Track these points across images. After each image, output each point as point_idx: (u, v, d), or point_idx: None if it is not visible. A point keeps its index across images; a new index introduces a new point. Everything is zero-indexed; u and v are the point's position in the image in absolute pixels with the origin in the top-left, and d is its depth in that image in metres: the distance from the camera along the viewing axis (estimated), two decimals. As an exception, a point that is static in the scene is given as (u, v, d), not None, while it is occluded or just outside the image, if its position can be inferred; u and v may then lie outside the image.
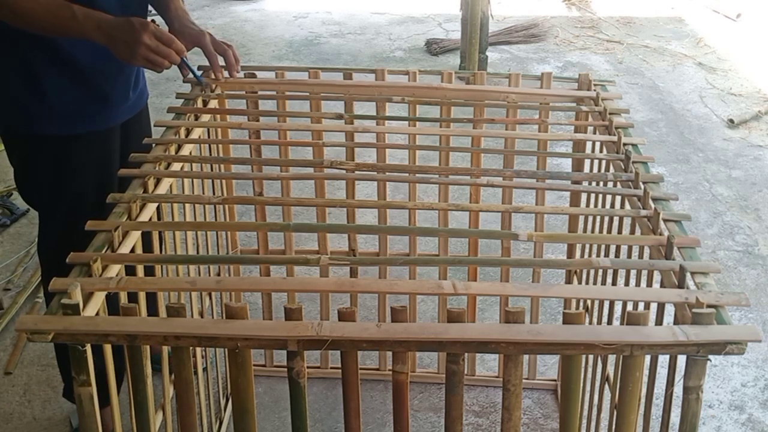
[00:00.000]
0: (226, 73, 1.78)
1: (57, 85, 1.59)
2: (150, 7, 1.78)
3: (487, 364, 2.21)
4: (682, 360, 1.04)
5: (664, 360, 1.10)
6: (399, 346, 1.02)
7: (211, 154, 1.73)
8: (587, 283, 1.77)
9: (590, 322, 1.66)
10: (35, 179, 1.70)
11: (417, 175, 1.48)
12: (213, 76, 1.78)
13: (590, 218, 1.73)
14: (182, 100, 1.75)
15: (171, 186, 1.46)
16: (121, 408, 1.21)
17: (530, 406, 2.07)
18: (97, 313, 1.08)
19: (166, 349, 1.45)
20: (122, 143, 1.77)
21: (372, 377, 2.12)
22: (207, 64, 1.78)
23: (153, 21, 1.50)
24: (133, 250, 1.26)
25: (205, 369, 1.76)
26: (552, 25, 5.17)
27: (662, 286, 1.15)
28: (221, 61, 1.77)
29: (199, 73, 1.76)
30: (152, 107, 1.98)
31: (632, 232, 1.38)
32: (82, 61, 1.58)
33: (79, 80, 1.60)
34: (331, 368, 2.13)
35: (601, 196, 1.57)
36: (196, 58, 1.71)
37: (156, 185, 1.40)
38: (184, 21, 1.73)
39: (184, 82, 1.77)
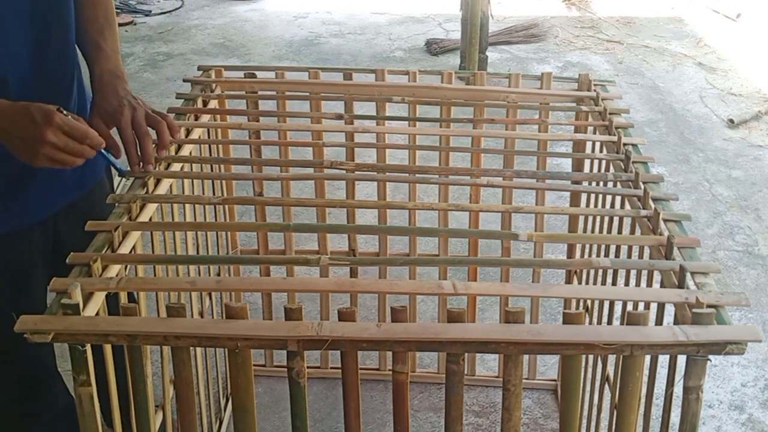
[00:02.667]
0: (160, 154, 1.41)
1: None
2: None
3: (487, 364, 2.21)
4: (682, 360, 1.04)
5: (664, 360, 1.10)
6: (399, 346, 1.02)
7: (211, 155, 1.73)
8: (587, 283, 1.77)
9: (590, 322, 1.66)
10: None
11: (417, 175, 1.48)
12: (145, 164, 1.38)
13: (590, 218, 1.73)
14: (182, 100, 1.75)
15: (171, 186, 1.46)
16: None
17: (530, 406, 2.07)
18: (97, 313, 1.08)
19: (166, 349, 1.45)
20: (56, 238, 1.41)
21: (372, 377, 2.12)
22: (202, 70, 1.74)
23: (59, 109, 1.17)
24: (133, 250, 1.26)
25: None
26: (552, 25, 5.17)
27: (662, 286, 1.15)
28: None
29: (119, 163, 1.35)
30: (152, 107, 1.97)
31: (632, 232, 1.38)
32: None
33: None
34: (331, 368, 2.13)
35: (601, 196, 1.57)
36: (195, 64, 1.66)
37: (156, 185, 1.40)
38: (106, 92, 1.34)
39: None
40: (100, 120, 1.32)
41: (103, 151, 1.26)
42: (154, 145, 1.38)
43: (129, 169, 1.36)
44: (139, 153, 1.35)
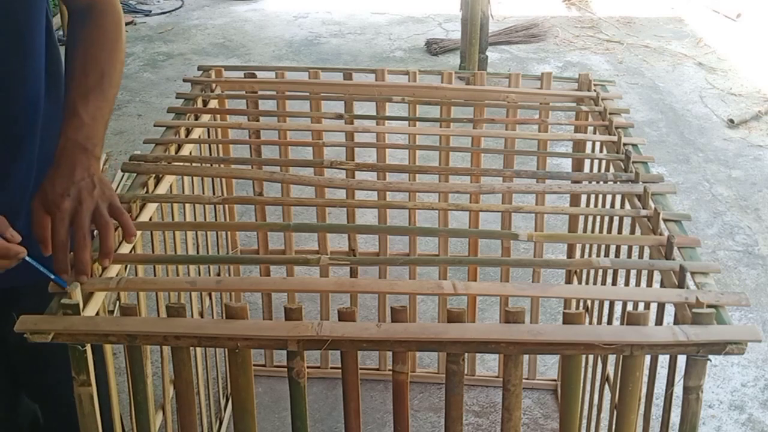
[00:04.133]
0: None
1: None
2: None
3: (487, 364, 2.21)
4: (682, 360, 1.04)
5: (664, 360, 1.10)
6: (399, 346, 1.02)
7: (211, 154, 1.73)
8: (587, 283, 1.77)
9: (590, 322, 1.66)
10: None
11: (417, 175, 1.48)
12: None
13: (590, 218, 1.73)
14: (182, 100, 1.75)
15: (171, 186, 1.46)
16: (121, 408, 1.21)
17: (530, 406, 2.07)
18: (97, 313, 1.08)
19: (166, 349, 1.45)
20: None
21: (372, 377, 2.12)
22: (207, 64, 1.70)
23: None
24: (133, 250, 1.26)
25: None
26: (552, 25, 5.17)
27: (662, 286, 1.15)
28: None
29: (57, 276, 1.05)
30: (152, 107, 1.97)
31: (632, 232, 1.38)
32: None
33: None
34: (331, 368, 2.13)
35: (601, 196, 1.57)
36: (195, 64, 1.64)
37: (156, 185, 1.40)
38: (60, 168, 1.07)
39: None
40: (40, 206, 1.06)
41: (27, 258, 1.03)
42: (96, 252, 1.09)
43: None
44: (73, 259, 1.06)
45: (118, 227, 1.15)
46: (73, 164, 1.08)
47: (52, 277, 1.04)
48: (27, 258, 1.03)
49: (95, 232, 1.09)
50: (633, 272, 1.38)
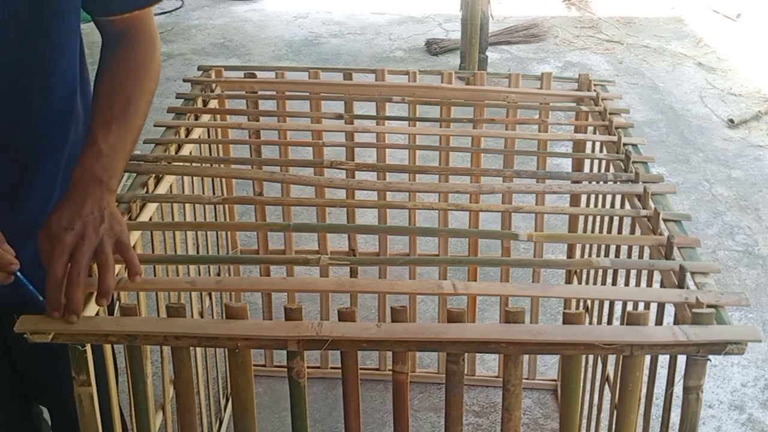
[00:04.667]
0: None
1: None
2: None
3: (487, 364, 2.21)
4: (682, 360, 1.04)
5: (664, 360, 1.10)
6: (399, 346, 1.02)
7: (211, 154, 1.73)
8: (587, 283, 1.77)
9: (590, 322, 1.66)
10: None
11: (417, 175, 1.48)
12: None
13: (590, 218, 1.73)
14: (182, 100, 1.75)
15: (171, 186, 1.46)
16: (121, 408, 1.22)
17: (530, 406, 2.07)
18: (97, 313, 1.08)
19: (166, 349, 1.45)
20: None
21: (372, 377, 2.12)
22: (207, 64, 1.70)
23: None
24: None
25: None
26: (552, 25, 5.16)
27: (662, 286, 1.15)
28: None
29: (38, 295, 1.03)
30: (152, 107, 1.97)
31: (632, 232, 1.38)
32: None
33: None
34: (331, 368, 2.13)
35: (601, 196, 1.57)
36: (195, 64, 1.63)
37: (156, 185, 1.40)
38: (71, 199, 1.03)
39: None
40: (44, 238, 1.01)
41: (19, 274, 0.99)
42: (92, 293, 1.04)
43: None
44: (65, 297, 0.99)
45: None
46: (85, 196, 1.03)
47: (40, 299, 1.01)
48: (19, 274, 0.99)
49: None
50: (633, 272, 1.38)
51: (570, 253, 1.89)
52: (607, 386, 1.60)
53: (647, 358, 1.07)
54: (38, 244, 1.01)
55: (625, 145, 1.51)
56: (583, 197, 1.77)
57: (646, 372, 1.09)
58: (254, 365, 1.07)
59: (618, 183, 1.43)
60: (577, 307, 1.74)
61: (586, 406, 1.70)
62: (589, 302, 1.71)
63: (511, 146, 1.82)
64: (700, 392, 1.02)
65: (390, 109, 1.88)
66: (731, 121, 3.78)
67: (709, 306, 1.02)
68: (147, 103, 1.15)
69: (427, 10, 5.53)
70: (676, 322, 1.05)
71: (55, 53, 1.10)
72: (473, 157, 1.83)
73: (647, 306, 1.12)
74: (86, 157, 1.07)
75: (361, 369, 1.09)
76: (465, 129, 1.83)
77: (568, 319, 1.01)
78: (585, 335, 0.99)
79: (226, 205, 1.92)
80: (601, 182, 1.51)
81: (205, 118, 1.73)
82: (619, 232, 1.48)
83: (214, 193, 1.81)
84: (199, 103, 1.75)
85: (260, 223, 1.89)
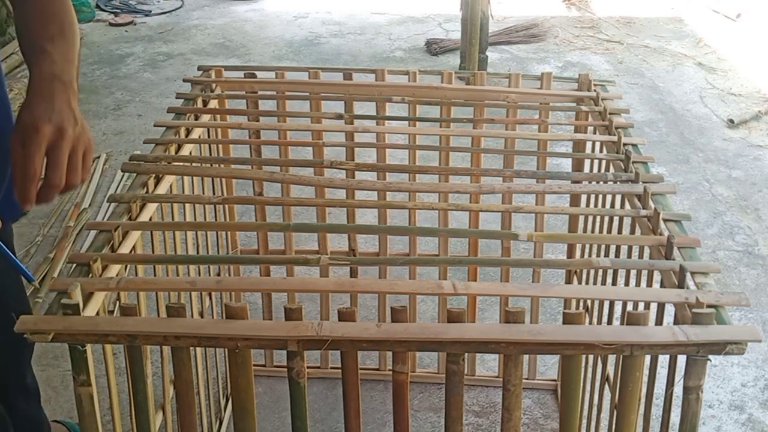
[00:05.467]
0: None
1: None
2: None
3: (487, 364, 2.21)
4: (682, 360, 1.04)
5: (664, 360, 1.10)
6: (399, 346, 1.02)
7: (211, 154, 1.73)
8: (587, 283, 1.77)
9: (590, 322, 1.66)
10: None
11: (417, 175, 1.48)
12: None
13: (590, 218, 1.73)
14: (182, 100, 1.75)
15: (171, 186, 1.46)
16: (121, 408, 1.22)
17: (530, 406, 2.07)
18: (97, 313, 1.08)
19: (166, 349, 1.45)
20: None
21: (372, 377, 2.12)
22: (208, 64, 1.69)
23: None
24: (133, 250, 1.26)
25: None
26: (552, 25, 5.16)
27: (662, 286, 1.15)
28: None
29: (25, 267, 1.07)
30: (152, 107, 1.97)
31: (632, 232, 1.38)
32: None
33: None
34: (331, 368, 2.13)
35: (601, 196, 1.57)
36: (195, 64, 1.62)
37: (156, 185, 1.40)
38: (37, 96, 0.99)
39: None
40: (18, 141, 0.95)
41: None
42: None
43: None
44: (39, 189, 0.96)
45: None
46: (52, 92, 0.98)
47: (22, 267, 0.99)
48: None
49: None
50: (633, 272, 1.38)
51: (570, 253, 1.89)
52: (607, 386, 1.60)
53: (647, 358, 1.07)
54: (11, 151, 0.95)
55: (625, 145, 1.51)
56: (583, 197, 1.77)
57: (646, 372, 1.09)
58: (254, 365, 1.07)
59: (618, 183, 1.43)
60: (577, 307, 1.74)
61: (586, 406, 1.70)
62: (589, 302, 1.71)
63: (511, 146, 1.82)
64: (700, 392, 1.02)
65: (390, 109, 1.88)
66: (731, 121, 3.78)
67: (709, 306, 1.02)
68: (76, 27, 1.11)
69: (427, 10, 5.52)
70: (676, 322, 1.05)
71: None
72: (473, 157, 1.83)
73: (647, 306, 1.12)
74: (41, 63, 1.02)
75: (361, 369, 1.09)
76: (465, 129, 1.83)
77: (568, 319, 1.01)
78: (585, 335, 0.99)
79: (226, 205, 1.92)
80: (601, 182, 1.51)
81: (205, 118, 1.73)
82: (619, 232, 1.48)
83: (214, 193, 1.81)
84: (199, 103, 1.75)
85: (260, 223, 1.89)
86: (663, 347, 0.99)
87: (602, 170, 1.58)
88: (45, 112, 0.96)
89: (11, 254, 0.98)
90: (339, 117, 1.75)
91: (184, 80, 1.84)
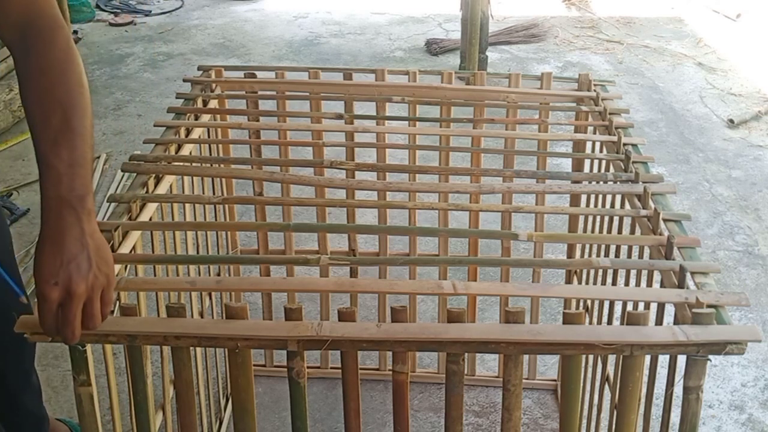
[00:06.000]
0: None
1: None
2: None
3: (487, 364, 2.21)
4: (682, 360, 1.04)
5: (664, 360, 1.10)
6: (399, 346, 1.02)
7: (211, 154, 1.73)
8: (587, 283, 1.77)
9: (590, 322, 1.66)
10: None
11: (417, 175, 1.48)
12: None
13: (590, 218, 1.73)
14: (182, 100, 1.75)
15: (171, 186, 1.46)
16: (121, 408, 1.22)
17: (530, 406, 2.07)
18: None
19: (166, 349, 1.45)
20: None
21: (372, 377, 2.12)
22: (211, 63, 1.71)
23: None
24: (133, 250, 1.26)
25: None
26: (552, 25, 5.16)
27: (662, 286, 1.15)
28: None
29: (14, 283, 1.06)
30: (152, 107, 1.97)
31: (632, 232, 1.38)
32: None
33: None
34: (331, 368, 2.13)
35: (601, 196, 1.57)
36: (195, 64, 1.63)
37: (156, 185, 1.40)
38: (47, 234, 0.94)
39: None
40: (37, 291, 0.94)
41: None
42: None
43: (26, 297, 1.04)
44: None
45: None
46: (62, 234, 0.93)
47: (16, 289, 0.99)
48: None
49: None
50: (633, 272, 1.38)
51: (570, 253, 1.89)
52: (607, 386, 1.60)
53: (647, 358, 1.07)
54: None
55: (625, 145, 1.51)
56: (583, 197, 1.77)
57: (646, 372, 1.09)
58: (254, 365, 1.07)
59: (618, 183, 1.43)
60: (577, 307, 1.74)
61: (586, 406, 1.70)
62: (589, 302, 1.71)
63: (511, 146, 1.82)
64: (700, 392, 1.02)
65: (390, 109, 1.88)
66: (731, 121, 3.78)
67: (709, 306, 1.02)
68: (86, 99, 1.03)
69: (427, 10, 5.52)
70: (676, 322, 1.05)
71: None
72: (473, 157, 1.83)
73: (647, 306, 1.12)
74: (46, 184, 0.95)
75: (361, 369, 1.09)
76: (465, 129, 1.83)
77: (568, 319, 1.01)
78: (585, 335, 0.99)
79: (226, 205, 1.92)
80: (601, 182, 1.51)
81: (205, 118, 1.73)
82: (619, 232, 1.48)
83: (214, 193, 1.81)
84: (199, 103, 1.75)
85: (260, 223, 1.89)
86: (663, 347, 0.99)
87: (602, 170, 1.58)
88: (53, 272, 0.91)
89: (3, 272, 0.99)
90: (339, 117, 1.76)
91: (184, 80, 1.84)
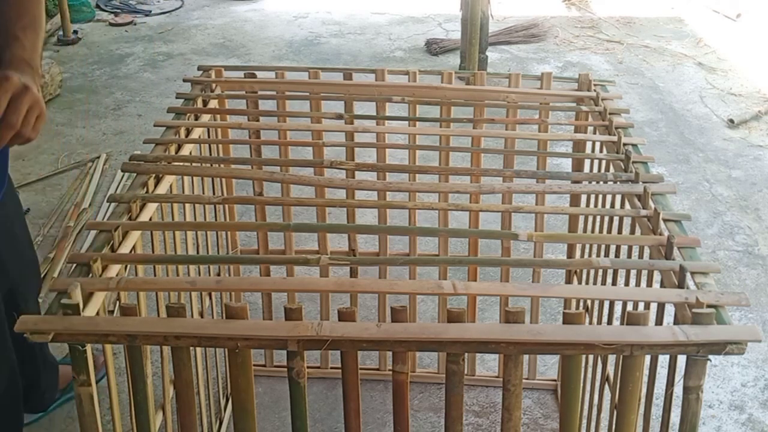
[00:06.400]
0: None
1: None
2: None
3: (487, 364, 2.21)
4: (682, 360, 1.04)
5: (664, 360, 1.10)
6: (399, 346, 1.02)
7: (211, 154, 1.73)
8: (587, 283, 1.77)
9: (590, 322, 1.66)
10: None
11: (417, 175, 1.48)
12: None
13: (590, 218, 1.73)
14: (182, 100, 1.75)
15: (171, 186, 1.46)
16: (121, 408, 1.22)
17: (530, 406, 2.07)
18: (98, 313, 1.08)
19: (166, 349, 1.45)
20: None
21: (372, 377, 2.12)
22: (210, 64, 1.72)
23: None
24: (133, 250, 1.26)
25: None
26: (552, 25, 5.16)
27: (662, 286, 1.15)
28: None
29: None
30: (152, 107, 1.97)
31: (632, 232, 1.38)
32: None
33: None
34: (331, 368, 2.13)
35: (601, 196, 1.57)
36: (195, 64, 1.63)
37: (156, 185, 1.40)
38: (8, 68, 1.24)
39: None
40: None
41: None
42: None
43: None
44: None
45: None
46: (21, 70, 1.23)
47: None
48: None
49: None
50: (633, 272, 1.38)
51: (570, 253, 1.89)
52: (607, 386, 1.60)
53: (647, 358, 1.07)
54: None
55: (625, 145, 1.51)
56: (583, 197, 1.77)
57: (646, 372, 1.09)
58: (254, 365, 1.07)
59: (618, 183, 1.43)
60: (577, 307, 1.74)
61: (586, 406, 1.70)
62: (589, 302, 1.71)
63: (511, 146, 1.82)
64: (700, 392, 1.02)
65: (390, 109, 1.88)
66: (731, 121, 3.78)
67: (709, 306, 1.02)
68: (42, 9, 1.37)
69: (427, 10, 5.52)
70: (676, 322, 1.05)
71: None
72: (473, 157, 1.83)
73: (647, 306, 1.12)
74: (13, 47, 1.27)
75: (361, 369, 1.09)
76: (465, 129, 1.83)
77: (568, 319, 1.01)
78: (585, 335, 0.99)
79: (226, 205, 1.92)
80: (601, 182, 1.51)
81: (205, 118, 1.73)
82: (619, 232, 1.48)
83: (214, 193, 1.81)
84: (199, 103, 1.75)
85: (260, 223, 1.89)
86: (663, 347, 0.99)
87: (602, 170, 1.58)
88: (15, 72, 1.20)
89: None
90: (339, 117, 1.75)
91: (184, 80, 1.84)
